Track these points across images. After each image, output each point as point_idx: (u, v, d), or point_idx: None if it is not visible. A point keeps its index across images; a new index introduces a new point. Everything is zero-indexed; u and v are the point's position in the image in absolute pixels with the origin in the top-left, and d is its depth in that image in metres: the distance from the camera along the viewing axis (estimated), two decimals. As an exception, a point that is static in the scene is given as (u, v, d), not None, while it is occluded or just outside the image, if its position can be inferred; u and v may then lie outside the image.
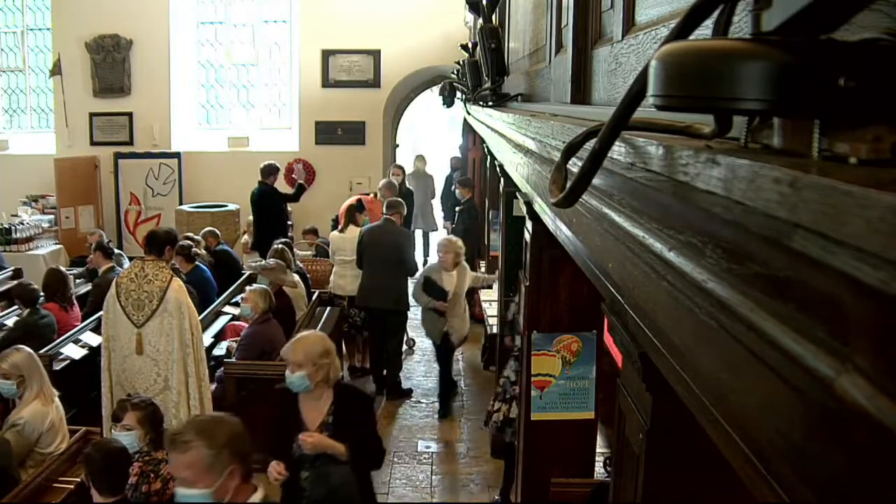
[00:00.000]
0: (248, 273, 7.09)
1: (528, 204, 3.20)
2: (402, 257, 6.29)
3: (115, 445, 3.13)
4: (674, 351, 0.96)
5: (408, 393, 6.51)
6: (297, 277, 6.42)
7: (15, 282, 6.50)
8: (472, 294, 8.53)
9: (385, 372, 6.53)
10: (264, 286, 5.57)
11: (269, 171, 8.24)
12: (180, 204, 9.75)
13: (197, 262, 6.52)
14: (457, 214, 8.77)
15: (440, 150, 13.87)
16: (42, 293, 5.62)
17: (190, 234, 7.07)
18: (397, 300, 6.36)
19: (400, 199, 6.85)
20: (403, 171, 8.69)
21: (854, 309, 0.49)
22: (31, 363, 3.93)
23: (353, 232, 6.65)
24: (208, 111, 10.65)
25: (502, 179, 4.91)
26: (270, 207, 8.15)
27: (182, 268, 6.13)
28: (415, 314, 6.68)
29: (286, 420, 3.26)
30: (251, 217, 8.67)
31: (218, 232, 7.61)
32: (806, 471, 0.56)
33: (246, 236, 8.56)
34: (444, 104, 6.42)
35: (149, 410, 3.37)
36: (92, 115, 10.07)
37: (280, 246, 6.50)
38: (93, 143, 10.11)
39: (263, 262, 6.21)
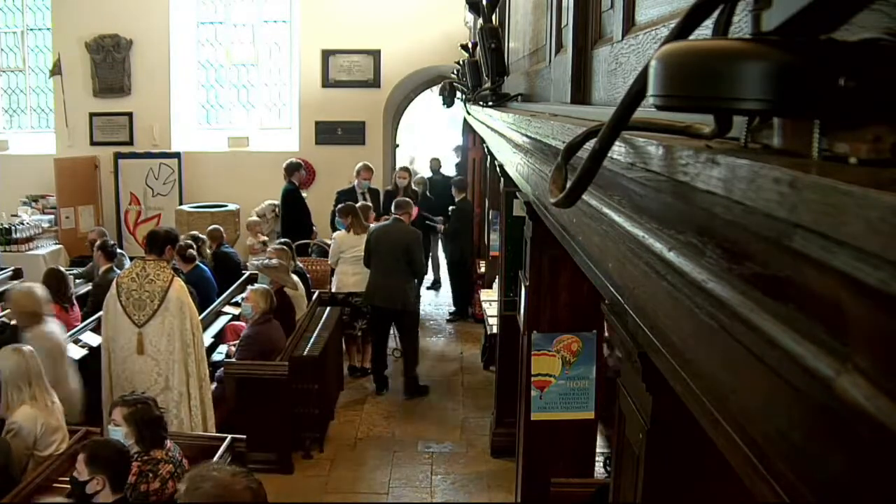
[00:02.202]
0: (248, 273, 7.10)
1: (528, 204, 3.20)
2: (410, 258, 6.36)
3: (115, 443, 3.14)
4: (674, 351, 0.96)
5: (425, 390, 6.56)
6: (296, 279, 6.43)
7: (15, 282, 6.50)
8: (469, 294, 8.56)
9: (384, 370, 6.58)
10: (266, 286, 5.57)
11: (292, 169, 8.37)
12: (180, 204, 9.75)
13: (197, 262, 6.52)
14: (450, 214, 8.80)
15: (440, 151, 13.87)
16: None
17: (195, 233, 7.12)
18: (404, 301, 6.43)
19: (408, 199, 6.97)
20: (410, 174, 8.67)
21: (854, 309, 0.49)
22: (18, 370, 3.82)
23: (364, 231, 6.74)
24: (208, 111, 10.64)
25: (502, 179, 4.91)
26: (296, 206, 8.22)
27: (181, 267, 6.13)
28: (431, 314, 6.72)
29: None
30: (251, 217, 8.70)
31: (221, 229, 7.65)
32: (806, 471, 0.56)
33: (250, 238, 8.57)
34: (444, 104, 6.41)
35: (136, 409, 3.33)
36: (92, 115, 10.06)
37: (280, 246, 6.52)
38: (93, 143, 10.10)
39: (266, 260, 6.21)
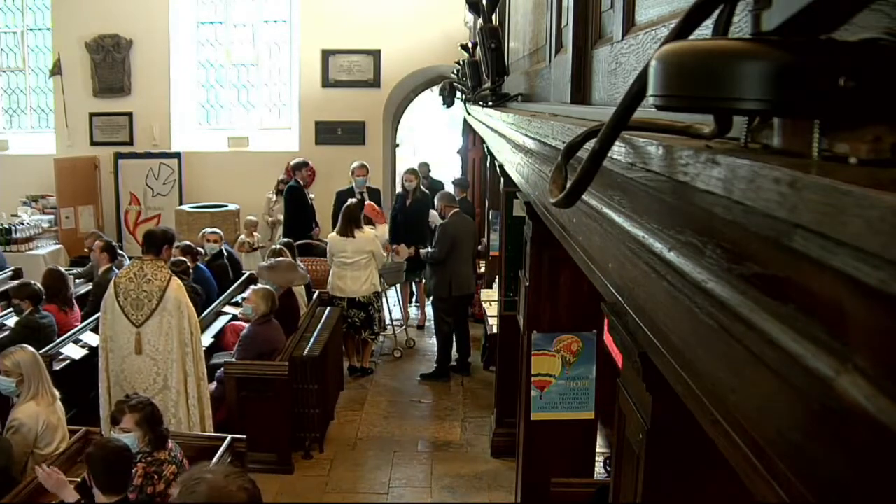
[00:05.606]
0: (248, 273, 7.10)
1: (528, 204, 3.20)
2: (479, 244, 7.12)
3: (116, 444, 3.14)
4: (674, 351, 0.96)
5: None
6: (303, 269, 6.47)
7: (15, 282, 6.49)
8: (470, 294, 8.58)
9: (468, 357, 7.09)
10: (267, 287, 5.55)
11: (297, 167, 8.50)
12: (180, 204, 9.74)
13: (198, 262, 6.53)
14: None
15: (440, 151, 13.87)
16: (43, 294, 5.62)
17: (216, 230, 7.25)
18: (473, 284, 7.20)
19: (451, 193, 7.46)
20: (418, 176, 8.60)
21: (854, 309, 0.49)
22: (33, 364, 3.92)
23: (365, 233, 6.70)
24: (208, 111, 10.64)
25: (502, 179, 4.91)
26: (298, 204, 8.25)
27: (189, 263, 6.18)
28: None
29: None
30: (250, 217, 8.70)
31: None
32: (806, 471, 0.56)
33: (243, 236, 8.58)
34: (444, 104, 6.42)
35: (147, 411, 3.36)
36: (92, 115, 10.06)
37: (279, 247, 6.51)
38: (93, 143, 10.10)
39: (269, 263, 6.18)
